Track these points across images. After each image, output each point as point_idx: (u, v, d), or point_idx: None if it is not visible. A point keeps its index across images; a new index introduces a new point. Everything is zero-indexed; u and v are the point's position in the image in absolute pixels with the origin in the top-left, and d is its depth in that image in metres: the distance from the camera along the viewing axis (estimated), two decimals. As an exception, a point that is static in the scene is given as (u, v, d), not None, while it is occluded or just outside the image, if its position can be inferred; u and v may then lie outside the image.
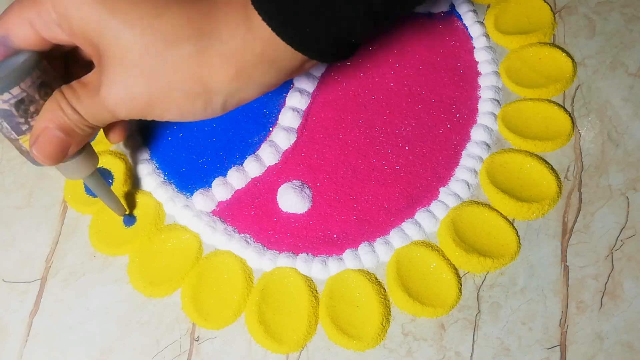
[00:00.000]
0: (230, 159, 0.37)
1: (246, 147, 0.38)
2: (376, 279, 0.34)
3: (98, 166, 0.32)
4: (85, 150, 0.28)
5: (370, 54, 0.40)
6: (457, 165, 0.37)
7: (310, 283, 0.34)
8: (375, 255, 0.34)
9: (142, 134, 0.38)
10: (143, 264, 0.34)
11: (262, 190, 0.36)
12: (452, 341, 0.32)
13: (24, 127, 0.26)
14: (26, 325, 0.33)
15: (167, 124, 0.39)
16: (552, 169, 0.36)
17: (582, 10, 0.42)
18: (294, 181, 0.36)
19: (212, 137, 0.38)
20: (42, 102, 0.26)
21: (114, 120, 0.26)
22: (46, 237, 0.36)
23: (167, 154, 0.38)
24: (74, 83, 0.25)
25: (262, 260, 0.34)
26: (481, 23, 0.41)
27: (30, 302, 0.34)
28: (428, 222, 0.35)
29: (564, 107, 0.38)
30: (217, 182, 0.36)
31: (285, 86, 0.39)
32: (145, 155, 0.38)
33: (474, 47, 0.41)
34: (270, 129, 0.38)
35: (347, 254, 0.34)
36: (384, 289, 0.34)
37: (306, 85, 0.39)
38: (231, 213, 0.36)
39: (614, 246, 0.34)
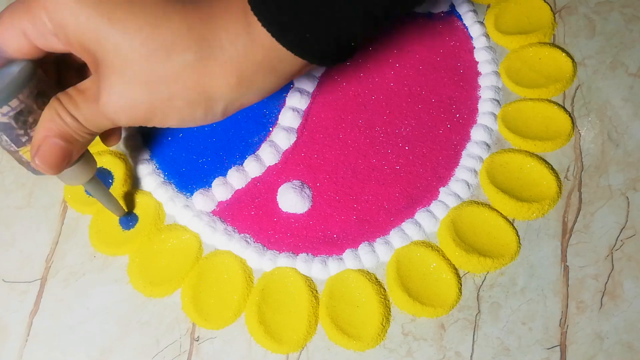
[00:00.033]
0: (230, 159, 0.37)
1: (246, 147, 0.38)
2: (376, 279, 0.34)
3: (98, 166, 0.32)
4: (84, 156, 0.28)
5: (370, 54, 0.40)
6: (457, 165, 0.37)
7: (310, 283, 0.34)
8: (375, 255, 0.34)
9: (142, 134, 0.38)
10: (143, 264, 0.34)
11: (262, 190, 0.36)
12: (452, 341, 0.32)
13: (24, 139, 0.26)
14: (26, 325, 0.33)
15: (167, 124, 0.39)
16: (552, 169, 0.36)
17: (582, 10, 0.42)
18: (294, 181, 0.36)
19: (212, 137, 0.38)
20: (40, 112, 0.25)
21: (114, 126, 0.26)
22: (46, 237, 0.36)
23: (167, 154, 0.38)
24: (71, 90, 0.25)
25: (262, 260, 0.34)
26: (481, 23, 0.41)
27: (30, 302, 0.34)
28: (428, 222, 0.35)
29: (564, 107, 0.38)
30: (217, 182, 0.36)
31: (285, 86, 0.39)
32: (145, 155, 0.38)
33: (474, 47, 0.41)
34: (270, 129, 0.38)
35: (347, 254, 0.34)
36: (384, 289, 0.34)
37: (306, 85, 0.39)
38: (231, 213, 0.36)
39: (614, 246, 0.34)
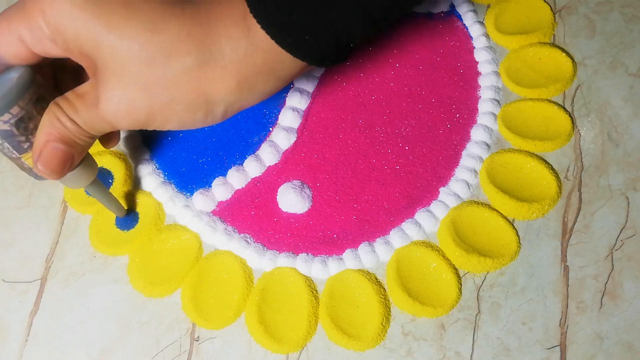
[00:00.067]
0: (230, 159, 0.37)
1: (246, 147, 0.38)
2: (376, 279, 0.34)
3: (98, 166, 0.31)
4: (85, 159, 0.28)
5: (370, 54, 0.40)
6: (457, 165, 0.37)
7: (310, 283, 0.34)
8: (375, 255, 0.34)
9: (142, 134, 0.38)
10: (143, 264, 0.34)
11: (262, 190, 0.36)
12: (452, 341, 0.32)
13: (26, 145, 0.26)
14: (26, 325, 0.33)
15: (167, 124, 0.39)
16: (552, 169, 0.36)
17: (582, 10, 0.42)
18: (294, 181, 0.36)
19: (212, 137, 0.38)
20: (40, 118, 0.25)
21: (113, 130, 0.26)
22: (46, 237, 0.36)
23: (167, 154, 0.38)
24: (69, 94, 0.25)
25: (262, 260, 0.34)
26: (481, 23, 0.41)
27: (30, 302, 0.34)
28: (428, 222, 0.35)
29: (564, 107, 0.38)
30: (217, 182, 0.36)
31: (285, 86, 0.39)
32: (145, 155, 0.38)
33: (474, 47, 0.41)
34: (270, 129, 0.38)
35: (347, 254, 0.34)
36: (384, 289, 0.34)
37: (306, 85, 0.39)
38: (231, 213, 0.36)
39: (614, 246, 0.34)
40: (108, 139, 0.31)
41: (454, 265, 0.34)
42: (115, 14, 0.22)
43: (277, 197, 0.36)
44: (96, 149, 0.37)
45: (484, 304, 0.33)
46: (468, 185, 0.36)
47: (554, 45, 0.40)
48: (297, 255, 0.35)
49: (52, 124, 0.25)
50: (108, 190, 0.32)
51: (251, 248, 0.35)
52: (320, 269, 0.34)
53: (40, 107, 0.26)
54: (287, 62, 0.24)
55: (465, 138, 0.38)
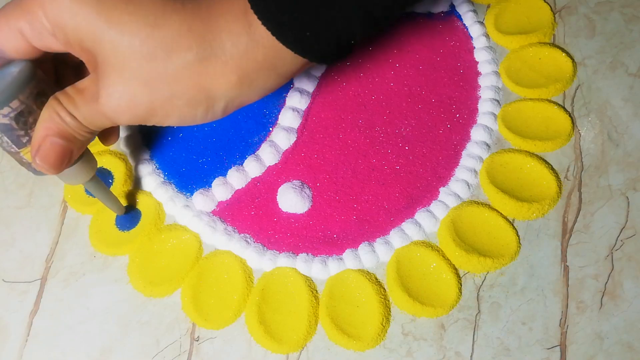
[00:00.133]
0: (230, 159, 0.37)
1: (246, 147, 0.38)
2: (376, 279, 0.34)
3: (98, 166, 0.32)
4: (84, 155, 0.28)
5: (370, 54, 0.40)
6: (457, 165, 0.37)
7: (310, 283, 0.34)
8: (375, 255, 0.34)
9: (142, 134, 0.38)
10: (143, 264, 0.34)
11: (262, 190, 0.36)
12: (452, 341, 0.32)
13: (25, 140, 0.26)
14: (26, 325, 0.33)
15: (167, 124, 0.39)
16: (552, 169, 0.36)
17: (582, 10, 0.42)
18: (294, 181, 0.36)
19: (212, 137, 0.38)
20: (40, 112, 0.25)
21: (113, 125, 0.26)
22: (46, 237, 0.36)
23: (167, 154, 0.38)
24: (69, 89, 0.25)
25: (262, 260, 0.34)
26: (481, 23, 0.41)
27: (30, 302, 0.34)
28: (428, 222, 0.35)
29: (564, 107, 0.38)
30: (217, 182, 0.36)
31: (285, 86, 0.39)
32: (145, 155, 0.38)
33: (474, 47, 0.41)
34: (270, 129, 0.38)
35: (347, 254, 0.34)
36: (384, 289, 0.34)
37: (306, 85, 0.39)
38: (231, 213, 0.36)
39: (614, 246, 0.34)
40: (107, 135, 0.31)
41: (454, 265, 0.34)
42: (116, 9, 0.22)
43: (277, 197, 0.36)
44: (96, 148, 0.37)
45: (484, 304, 0.33)
46: (468, 185, 0.36)
47: (554, 45, 0.40)
48: (297, 255, 0.35)
49: (51, 119, 0.25)
50: (107, 188, 0.32)
51: (251, 248, 0.35)
52: (320, 269, 0.34)
53: (41, 102, 0.26)
54: (287, 58, 0.24)
55: (465, 138, 0.38)
